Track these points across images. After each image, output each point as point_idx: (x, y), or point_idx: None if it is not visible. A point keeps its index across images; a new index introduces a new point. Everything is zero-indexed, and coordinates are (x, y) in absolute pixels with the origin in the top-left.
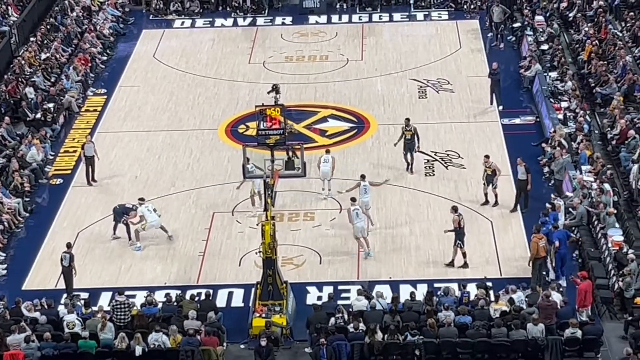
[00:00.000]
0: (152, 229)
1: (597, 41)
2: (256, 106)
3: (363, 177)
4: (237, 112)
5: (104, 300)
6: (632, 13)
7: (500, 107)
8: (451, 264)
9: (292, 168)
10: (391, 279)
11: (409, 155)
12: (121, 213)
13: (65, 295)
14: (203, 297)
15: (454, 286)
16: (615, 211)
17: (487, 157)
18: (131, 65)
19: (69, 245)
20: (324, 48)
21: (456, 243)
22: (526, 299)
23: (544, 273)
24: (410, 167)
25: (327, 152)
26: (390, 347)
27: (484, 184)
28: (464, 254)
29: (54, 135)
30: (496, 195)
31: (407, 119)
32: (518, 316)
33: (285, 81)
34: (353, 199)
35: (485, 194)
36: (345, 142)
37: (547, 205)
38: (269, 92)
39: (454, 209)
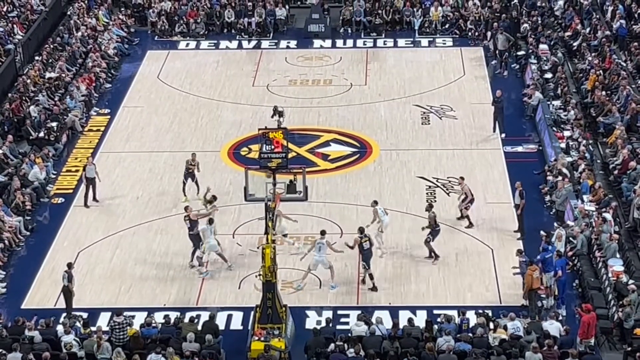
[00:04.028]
0: (211, 254)
1: (601, 71)
2: (259, 129)
3: (376, 202)
4: (240, 134)
5: (103, 320)
6: (636, 43)
7: (503, 135)
8: (374, 289)
9: (293, 191)
10: (390, 304)
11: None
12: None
13: (64, 315)
14: (207, 318)
15: (454, 313)
16: (618, 237)
17: (461, 178)
18: (135, 86)
19: (69, 265)
20: (327, 72)
21: (362, 264)
22: (524, 326)
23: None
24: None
25: (386, 213)
26: None
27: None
28: (370, 276)
29: (57, 155)
30: (461, 217)
31: (361, 228)
32: (515, 344)
33: (289, 104)
34: (322, 232)
35: (467, 216)
36: (347, 166)
37: (542, 232)
38: (272, 116)
39: (360, 230)
